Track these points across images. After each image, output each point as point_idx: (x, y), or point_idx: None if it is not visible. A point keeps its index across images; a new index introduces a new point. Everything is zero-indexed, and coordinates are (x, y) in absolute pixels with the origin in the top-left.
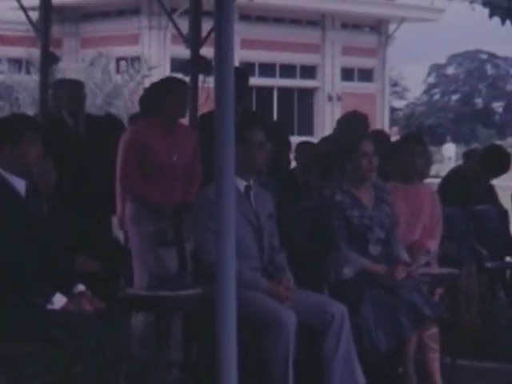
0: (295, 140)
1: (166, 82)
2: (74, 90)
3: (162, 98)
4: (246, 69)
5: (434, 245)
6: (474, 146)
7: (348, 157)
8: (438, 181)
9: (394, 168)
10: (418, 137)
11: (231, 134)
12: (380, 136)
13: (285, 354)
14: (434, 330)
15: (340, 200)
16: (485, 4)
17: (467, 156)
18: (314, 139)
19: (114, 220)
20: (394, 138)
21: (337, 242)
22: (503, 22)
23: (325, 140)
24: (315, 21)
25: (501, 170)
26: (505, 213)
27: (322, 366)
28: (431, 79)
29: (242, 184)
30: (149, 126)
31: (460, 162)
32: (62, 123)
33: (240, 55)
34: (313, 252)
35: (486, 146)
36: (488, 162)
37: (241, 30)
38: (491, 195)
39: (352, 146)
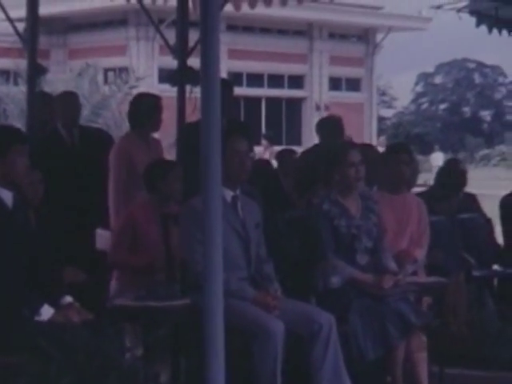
0: None
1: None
2: (69, 101)
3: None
4: (232, 79)
5: (421, 254)
6: (462, 154)
7: (336, 166)
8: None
9: (380, 177)
10: (405, 146)
11: (218, 144)
12: (369, 151)
13: (273, 364)
14: (422, 338)
15: (328, 209)
16: (472, 13)
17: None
18: (302, 148)
19: (99, 232)
20: (382, 148)
21: (324, 251)
22: (490, 31)
23: (307, 152)
24: (302, 31)
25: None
26: (488, 221)
27: (309, 374)
28: (419, 88)
29: (228, 194)
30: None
31: None
32: (56, 134)
33: (228, 65)
34: (300, 261)
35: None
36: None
37: (228, 41)
38: (473, 204)
39: (340, 156)
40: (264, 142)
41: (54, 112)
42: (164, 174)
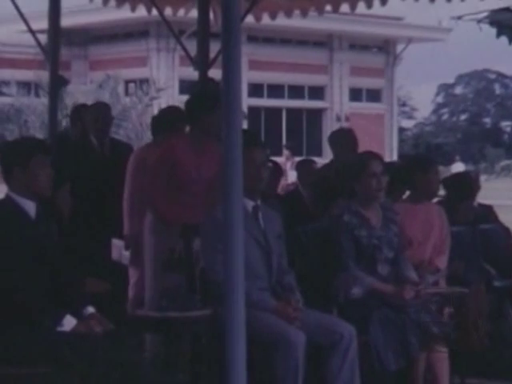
0: None
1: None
2: (102, 112)
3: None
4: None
5: (443, 262)
6: (483, 165)
7: (357, 177)
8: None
9: (405, 189)
10: (431, 157)
11: (239, 154)
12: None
13: (294, 375)
14: (443, 349)
15: (348, 220)
16: (492, 24)
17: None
18: (323, 160)
19: (114, 242)
20: None
21: (345, 262)
22: (510, 42)
23: (325, 168)
24: (323, 41)
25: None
26: (507, 231)
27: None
28: (439, 99)
29: (249, 204)
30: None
31: None
32: (87, 144)
33: (248, 76)
34: (322, 272)
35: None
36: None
37: (248, 52)
38: (490, 215)
39: (361, 166)
40: (286, 152)
41: (84, 122)
42: (211, 107)
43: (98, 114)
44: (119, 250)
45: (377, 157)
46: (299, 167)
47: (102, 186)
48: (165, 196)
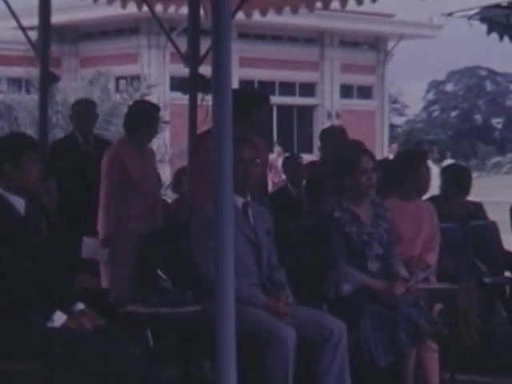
0: None
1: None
2: (84, 110)
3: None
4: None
5: (433, 258)
6: (473, 162)
7: (348, 173)
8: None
9: (395, 185)
10: (424, 153)
11: (229, 151)
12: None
13: (285, 370)
14: (433, 345)
15: (339, 217)
16: (483, 20)
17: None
18: (314, 157)
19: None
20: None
21: (336, 258)
22: (501, 38)
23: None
24: (314, 38)
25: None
26: (495, 227)
27: (315, 379)
28: (430, 96)
29: (239, 201)
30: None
31: None
32: (73, 139)
33: (239, 73)
34: (312, 269)
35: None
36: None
37: (239, 48)
38: (479, 212)
39: (352, 163)
40: (278, 148)
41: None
42: (260, 102)
43: (81, 112)
44: (92, 247)
45: (367, 153)
46: (285, 164)
47: (82, 182)
48: None
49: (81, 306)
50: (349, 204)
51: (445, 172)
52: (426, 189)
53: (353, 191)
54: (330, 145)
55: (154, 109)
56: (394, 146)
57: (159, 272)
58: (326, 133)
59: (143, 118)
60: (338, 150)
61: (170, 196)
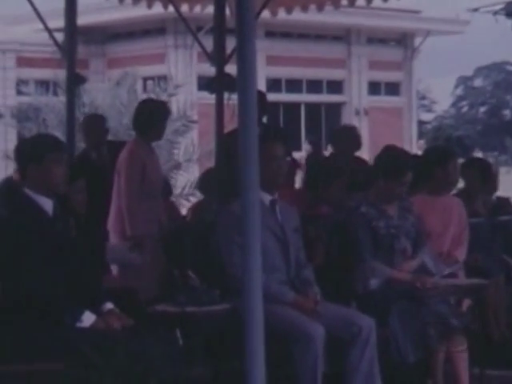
0: None
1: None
2: (92, 125)
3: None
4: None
5: (462, 253)
6: (503, 157)
7: (386, 179)
8: None
9: (423, 181)
10: (452, 149)
11: (255, 149)
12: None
13: (314, 368)
14: (462, 340)
15: (365, 211)
16: (508, 15)
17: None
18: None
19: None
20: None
21: (362, 253)
22: None
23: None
24: (340, 36)
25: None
26: None
27: (344, 376)
28: (459, 91)
29: (267, 198)
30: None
31: None
32: (86, 157)
33: (266, 72)
34: (340, 265)
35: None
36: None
37: (266, 47)
38: (507, 207)
39: (394, 168)
40: (307, 146)
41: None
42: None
43: (87, 129)
44: (120, 252)
45: (411, 167)
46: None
47: (102, 194)
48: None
49: (109, 305)
50: (375, 199)
51: (466, 167)
52: (454, 184)
53: (384, 193)
54: (342, 144)
55: (160, 106)
56: (422, 142)
57: (188, 271)
58: (338, 132)
59: (151, 117)
60: (388, 154)
61: (198, 196)
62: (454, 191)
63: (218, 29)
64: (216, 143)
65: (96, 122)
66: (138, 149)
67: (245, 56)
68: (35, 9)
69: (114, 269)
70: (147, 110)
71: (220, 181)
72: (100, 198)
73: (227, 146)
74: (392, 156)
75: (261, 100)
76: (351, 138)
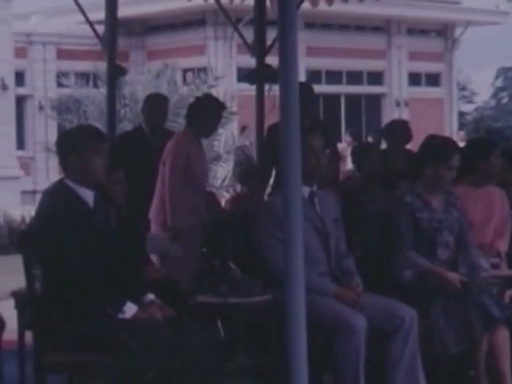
0: None
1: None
2: (158, 104)
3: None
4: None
5: (504, 245)
6: None
7: (434, 166)
8: None
9: (466, 172)
10: (494, 141)
11: (297, 141)
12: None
13: (356, 359)
14: (505, 332)
15: (410, 202)
16: None
17: None
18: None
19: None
20: (462, 143)
21: (401, 244)
22: None
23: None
24: (380, 27)
25: None
26: None
27: (386, 368)
28: (499, 83)
29: (306, 190)
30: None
31: None
32: (140, 133)
33: (306, 63)
34: (380, 255)
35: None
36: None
37: (306, 38)
38: None
39: (444, 157)
40: (348, 138)
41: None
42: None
43: (154, 106)
44: (162, 242)
45: (459, 151)
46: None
47: (148, 174)
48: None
49: (151, 296)
50: (421, 190)
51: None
52: (497, 176)
53: (432, 182)
54: (393, 138)
55: (219, 105)
56: (462, 133)
57: (229, 262)
58: (388, 127)
59: (205, 112)
60: (434, 141)
61: (238, 188)
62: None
63: (259, 20)
64: (256, 134)
65: (163, 103)
66: (185, 141)
67: (286, 47)
68: (76, 1)
69: (154, 259)
70: (204, 105)
71: (261, 173)
72: (146, 182)
73: (271, 138)
74: (438, 141)
75: (308, 93)
76: (404, 131)
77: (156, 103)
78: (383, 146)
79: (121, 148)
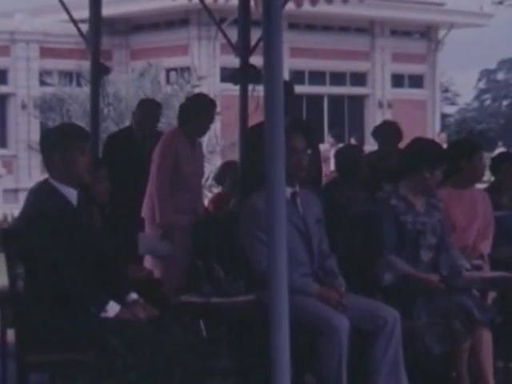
0: None
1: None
2: (151, 110)
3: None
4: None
5: (486, 247)
6: None
7: (431, 169)
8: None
9: (449, 174)
10: (476, 142)
11: (281, 142)
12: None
13: (338, 360)
14: (487, 334)
15: (395, 204)
16: None
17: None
18: (365, 147)
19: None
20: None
21: (382, 248)
22: None
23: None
24: (364, 28)
25: None
26: None
27: (368, 368)
28: (482, 85)
29: (288, 191)
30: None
31: None
32: (129, 133)
33: (289, 64)
34: (365, 256)
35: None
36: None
37: (290, 39)
38: None
39: (433, 161)
40: (330, 139)
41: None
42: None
43: (143, 112)
44: (151, 242)
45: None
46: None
47: (137, 174)
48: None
49: (134, 296)
50: (406, 192)
51: (499, 161)
52: (480, 177)
53: (416, 185)
54: (383, 140)
55: (211, 104)
56: (443, 135)
57: (212, 262)
58: (378, 128)
59: (197, 111)
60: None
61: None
62: (483, 184)
63: (243, 20)
64: (240, 135)
65: (156, 109)
66: (174, 140)
67: (271, 47)
68: (60, 0)
69: (148, 259)
70: (195, 105)
71: (242, 174)
72: (136, 182)
73: (253, 138)
74: (434, 146)
75: (289, 91)
76: (395, 132)
77: (149, 109)
78: (367, 147)
79: (110, 148)
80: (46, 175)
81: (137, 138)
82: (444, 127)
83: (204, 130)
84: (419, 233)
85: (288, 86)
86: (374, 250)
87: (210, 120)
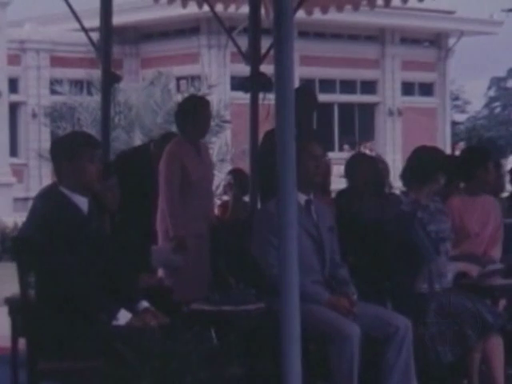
0: None
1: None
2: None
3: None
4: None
5: (497, 252)
6: None
7: (441, 175)
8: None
9: (463, 181)
10: (489, 149)
11: (292, 149)
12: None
13: (349, 368)
14: (499, 340)
15: (421, 217)
16: None
17: None
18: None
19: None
20: None
21: (430, 254)
22: None
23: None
24: (374, 36)
25: None
26: None
27: (380, 376)
28: (492, 92)
29: (302, 198)
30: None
31: None
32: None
33: (300, 72)
34: (376, 265)
35: None
36: None
37: (300, 47)
38: None
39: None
40: (346, 146)
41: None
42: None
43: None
44: (164, 255)
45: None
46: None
47: (149, 188)
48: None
49: (145, 304)
50: (427, 202)
51: None
52: (492, 184)
53: (435, 192)
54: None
55: (202, 103)
56: (462, 144)
57: (223, 271)
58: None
59: (190, 113)
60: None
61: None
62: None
63: (253, 28)
64: (250, 143)
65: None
66: (177, 149)
67: (282, 55)
68: (71, 8)
69: (161, 272)
70: (186, 107)
71: (256, 181)
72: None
73: (269, 143)
74: (442, 153)
75: (311, 98)
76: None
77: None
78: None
79: (127, 163)
80: None
81: (152, 155)
82: (454, 135)
83: (203, 130)
84: (440, 240)
85: (309, 92)
86: (413, 261)
87: (206, 119)
